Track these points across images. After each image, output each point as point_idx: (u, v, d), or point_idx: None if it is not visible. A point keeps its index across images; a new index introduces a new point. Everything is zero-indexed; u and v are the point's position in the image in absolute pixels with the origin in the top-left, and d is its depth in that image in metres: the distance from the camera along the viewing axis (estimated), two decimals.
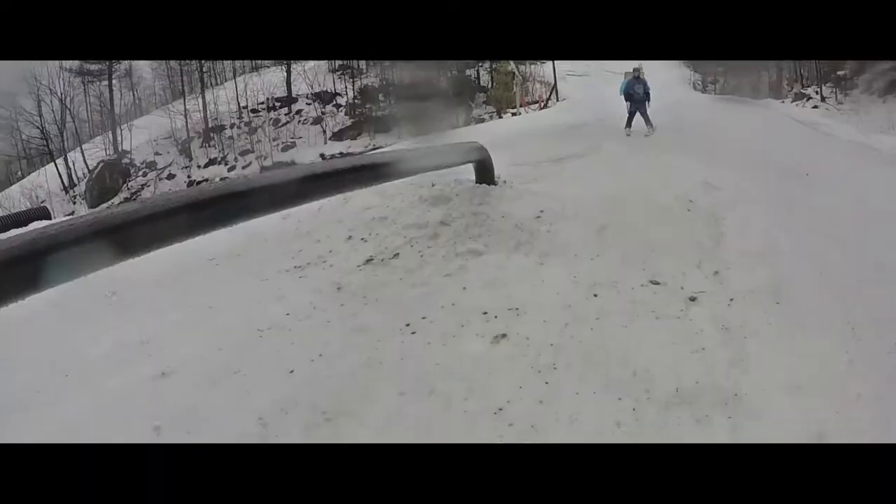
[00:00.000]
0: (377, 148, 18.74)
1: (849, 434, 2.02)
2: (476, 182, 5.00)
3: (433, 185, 4.95)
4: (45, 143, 21.78)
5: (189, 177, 21.30)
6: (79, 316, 3.46)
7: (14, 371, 2.97)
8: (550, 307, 2.99)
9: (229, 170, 21.25)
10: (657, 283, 3.23)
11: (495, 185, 5.03)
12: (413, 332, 2.88)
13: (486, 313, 2.97)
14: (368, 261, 3.91)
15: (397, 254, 3.93)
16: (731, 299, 3.08)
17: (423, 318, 2.99)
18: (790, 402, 2.20)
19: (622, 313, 2.93)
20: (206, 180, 20.78)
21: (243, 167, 21.33)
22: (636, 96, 10.41)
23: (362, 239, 4.28)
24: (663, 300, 3.06)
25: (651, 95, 10.53)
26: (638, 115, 10.35)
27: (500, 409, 2.20)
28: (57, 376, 2.89)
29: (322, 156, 20.57)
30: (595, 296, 3.12)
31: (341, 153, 20.12)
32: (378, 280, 3.62)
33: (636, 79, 10.54)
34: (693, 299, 3.07)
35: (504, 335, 2.75)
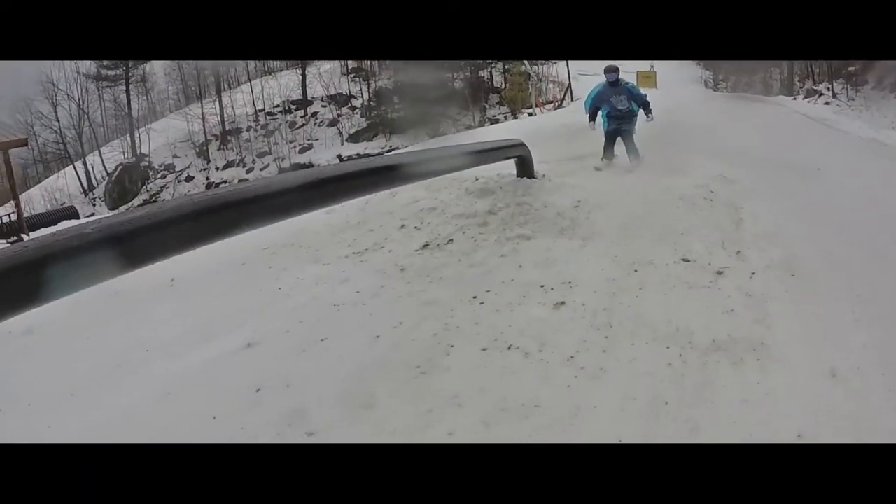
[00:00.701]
0: (393, 149, 19.03)
1: (855, 373, 2.47)
2: (517, 176, 5.46)
3: (477, 179, 5.38)
4: (62, 146, 21.96)
5: (207, 178, 21.49)
6: (142, 303, 3.54)
7: (93, 350, 3.05)
8: (598, 281, 3.43)
9: (247, 171, 21.55)
10: (688, 261, 3.68)
11: (535, 178, 5.49)
12: (481, 303, 3.26)
13: (542, 286, 3.39)
14: (425, 246, 4.27)
15: (451, 240, 4.31)
16: (753, 273, 3.54)
17: (488, 291, 3.38)
18: (807, 350, 2.66)
19: (660, 285, 3.37)
20: (225, 182, 21.09)
21: (261, 169, 21.59)
22: (615, 112, 6.79)
23: (415, 227, 4.64)
24: (694, 274, 3.50)
25: (650, 108, 6.93)
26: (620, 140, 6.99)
27: (572, 357, 2.64)
28: (135, 352, 2.97)
29: (339, 157, 20.84)
30: (635, 271, 3.56)
31: (358, 154, 20.40)
32: (437, 262, 3.96)
33: (612, 84, 6.78)
34: (720, 273, 3.51)
35: (563, 302, 3.18)
